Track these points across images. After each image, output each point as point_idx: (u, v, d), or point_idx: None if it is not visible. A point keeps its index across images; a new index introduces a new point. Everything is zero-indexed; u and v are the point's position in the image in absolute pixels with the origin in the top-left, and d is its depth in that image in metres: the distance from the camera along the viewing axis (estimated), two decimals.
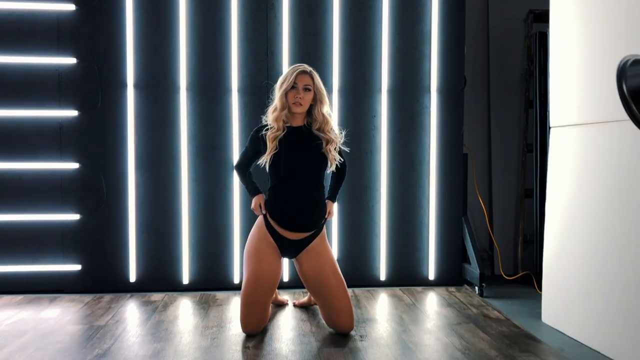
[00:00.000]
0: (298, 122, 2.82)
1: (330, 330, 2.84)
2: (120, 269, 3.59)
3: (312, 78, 2.74)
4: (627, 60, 1.32)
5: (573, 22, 2.83)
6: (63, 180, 3.54)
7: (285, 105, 2.72)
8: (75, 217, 3.56)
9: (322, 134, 2.80)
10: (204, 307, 3.28)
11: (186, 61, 3.58)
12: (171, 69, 3.57)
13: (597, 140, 2.64)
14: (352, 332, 2.82)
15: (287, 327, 2.93)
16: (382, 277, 3.73)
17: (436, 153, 3.73)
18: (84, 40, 3.52)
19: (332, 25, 3.65)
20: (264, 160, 2.77)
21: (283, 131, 2.73)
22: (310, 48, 3.65)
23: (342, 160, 2.91)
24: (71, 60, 3.51)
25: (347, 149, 3.07)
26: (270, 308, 2.93)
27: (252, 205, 2.91)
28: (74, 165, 3.54)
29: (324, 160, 2.81)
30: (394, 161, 3.72)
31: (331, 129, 2.83)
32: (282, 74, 3.48)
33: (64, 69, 3.51)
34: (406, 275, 3.76)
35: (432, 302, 3.43)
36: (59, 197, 3.54)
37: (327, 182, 2.99)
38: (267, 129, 2.79)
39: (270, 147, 2.72)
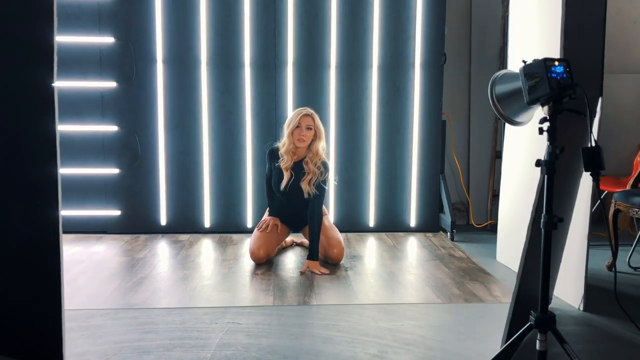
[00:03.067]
0: (301, 155, 3.50)
1: (323, 262, 3.57)
2: (153, 214, 4.34)
3: (313, 119, 3.39)
4: (497, 75, 1.97)
5: (532, 6, 3.42)
6: (105, 140, 4.25)
7: (292, 141, 3.39)
8: (115, 171, 4.28)
9: (308, 166, 3.44)
10: (223, 245, 4.03)
11: (206, 39, 4.21)
12: (193, 46, 4.22)
13: None
14: (341, 263, 3.55)
15: (289, 260, 3.67)
16: (371, 224, 4.44)
17: (418, 120, 4.37)
18: (121, 22, 4.16)
19: (330, 8, 4.24)
20: (283, 186, 3.48)
21: (292, 162, 3.43)
22: (311, 26, 4.26)
23: (317, 202, 3.43)
24: (110, 40, 4.17)
25: (327, 186, 3.54)
26: (276, 250, 3.68)
27: (265, 219, 3.62)
28: (114, 128, 4.24)
29: (313, 187, 3.45)
30: (382, 127, 4.37)
31: (318, 163, 3.41)
32: (287, 51, 4.15)
33: (104, 47, 4.17)
34: (391, 223, 4.46)
35: (410, 244, 4.14)
36: (101, 155, 4.26)
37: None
38: (279, 160, 3.48)
39: (286, 175, 3.43)
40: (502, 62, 4.57)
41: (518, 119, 1.94)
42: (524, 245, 2.05)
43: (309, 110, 3.49)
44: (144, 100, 4.24)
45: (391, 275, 3.37)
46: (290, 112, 3.97)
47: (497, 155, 4.60)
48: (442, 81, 4.38)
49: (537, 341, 1.85)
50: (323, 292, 3.02)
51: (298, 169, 3.50)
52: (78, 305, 2.79)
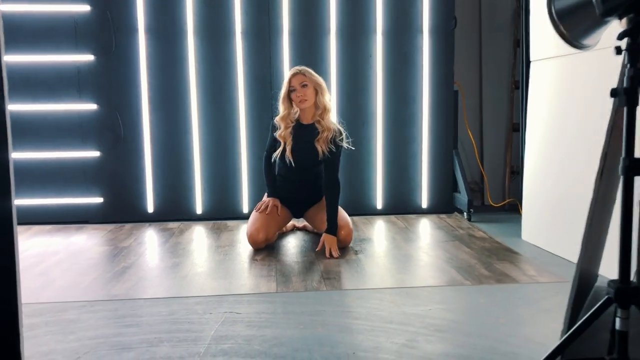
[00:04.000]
0: (309, 118, 3.14)
1: None
2: (139, 200, 3.93)
3: (305, 74, 3.03)
4: None
5: None
6: (82, 120, 3.84)
7: (287, 107, 3.07)
8: (96, 154, 3.87)
9: (321, 124, 3.10)
10: (217, 232, 3.63)
11: (193, 6, 3.81)
12: (179, 14, 3.82)
13: (573, 69, 2.89)
14: (350, 246, 3.16)
15: (290, 245, 3.28)
16: (379, 206, 4.05)
17: (428, 90, 3.99)
18: None
19: None
20: (276, 154, 3.14)
21: (289, 129, 3.08)
22: None
23: (333, 166, 3.09)
24: (85, 8, 3.76)
25: (352, 147, 3.27)
26: (276, 235, 3.28)
27: (264, 201, 3.23)
28: (93, 107, 3.83)
29: (322, 156, 3.09)
30: (389, 99, 3.98)
31: (330, 119, 3.09)
32: (282, 17, 3.75)
33: (79, 16, 3.76)
34: (401, 204, 4.07)
35: (423, 226, 3.76)
36: (79, 136, 3.85)
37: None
38: (278, 129, 3.15)
39: (282, 144, 3.12)
40: (517, 25, 4.19)
41: (585, 42, 1.54)
42: (591, 202, 1.66)
43: (297, 68, 3.11)
44: (126, 75, 3.84)
45: (407, 257, 2.98)
46: None
47: (515, 127, 4.22)
48: (453, 47, 3.99)
49: (617, 319, 1.46)
50: (333, 277, 2.63)
51: (306, 133, 3.12)
52: (49, 299, 2.38)
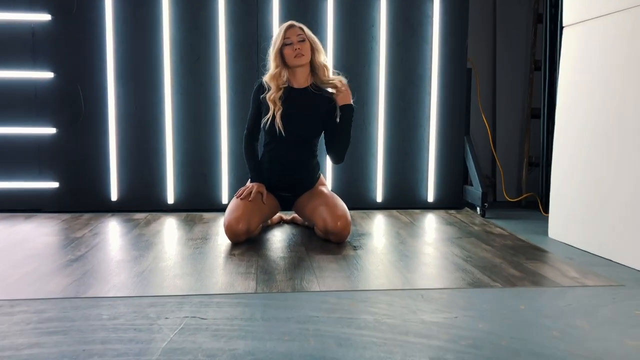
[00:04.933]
0: (301, 81, 2.70)
1: (323, 241, 2.65)
2: (101, 187, 3.38)
3: (302, 29, 2.65)
4: None
5: None
6: (37, 90, 3.29)
7: (279, 64, 2.63)
8: (52, 131, 3.32)
9: (325, 85, 2.71)
10: (189, 224, 3.09)
11: None
12: None
13: (624, 29, 2.39)
14: (348, 241, 2.63)
15: (276, 239, 2.74)
16: (379, 198, 3.54)
17: (438, 67, 3.49)
18: None
19: None
20: (264, 121, 2.67)
21: (281, 91, 2.64)
22: None
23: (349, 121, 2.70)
24: None
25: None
26: (260, 227, 2.73)
27: (247, 186, 2.72)
28: (49, 75, 3.28)
29: (320, 124, 2.70)
30: (393, 76, 3.47)
31: (329, 76, 2.74)
32: None
33: None
34: (404, 197, 3.56)
35: (431, 221, 3.24)
36: (32, 110, 3.30)
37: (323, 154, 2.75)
38: (268, 91, 2.66)
39: (271, 109, 2.64)
40: None
41: None
42: None
43: (293, 22, 2.67)
44: (88, 39, 3.30)
45: (416, 253, 2.46)
46: None
47: (534, 113, 3.73)
48: (467, 17, 3.50)
49: None
50: (327, 275, 2.10)
51: (300, 99, 2.68)
52: None
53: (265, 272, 2.13)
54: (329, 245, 2.59)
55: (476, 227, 3.05)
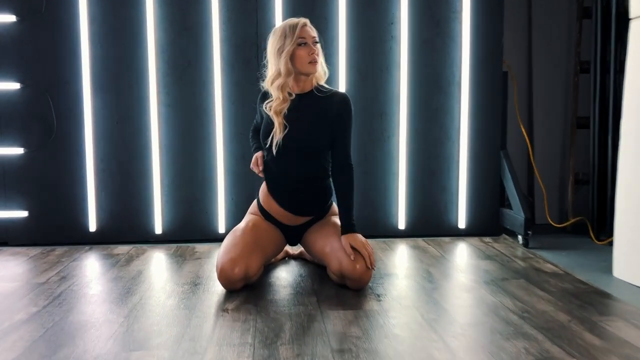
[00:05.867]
0: (306, 85, 2.22)
1: (339, 288, 2.15)
2: (77, 216, 2.90)
3: (313, 28, 2.21)
4: None
5: None
6: (1, 104, 2.82)
7: (292, 70, 2.13)
8: (18, 151, 2.85)
9: (323, 87, 2.25)
10: (179, 260, 2.59)
11: None
12: None
13: None
14: (368, 288, 2.12)
15: (280, 284, 2.24)
16: (401, 225, 3.03)
17: (469, 70, 2.98)
18: None
19: None
20: (275, 137, 2.18)
21: (287, 102, 2.17)
22: None
23: (345, 143, 2.22)
24: None
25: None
26: (261, 269, 2.22)
27: (252, 162, 2.33)
28: (14, 86, 2.81)
29: (329, 132, 2.19)
30: (417, 81, 2.97)
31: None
32: None
33: None
34: (430, 223, 3.05)
35: (465, 253, 2.73)
36: None
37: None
38: (270, 100, 2.20)
39: (278, 122, 2.16)
40: None
41: None
42: None
43: (305, 19, 2.19)
44: (60, 44, 2.83)
45: (455, 306, 1.96)
46: None
47: (580, 123, 3.20)
48: (503, 12, 2.99)
49: None
50: (347, 348, 1.59)
51: (306, 107, 2.20)
52: None
53: (265, 343, 1.63)
54: (346, 293, 2.09)
55: (521, 263, 2.53)
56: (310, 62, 2.12)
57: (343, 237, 2.10)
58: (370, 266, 2.06)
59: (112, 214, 2.92)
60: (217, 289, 2.13)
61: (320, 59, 2.18)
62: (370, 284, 2.17)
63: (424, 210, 3.04)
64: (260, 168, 2.28)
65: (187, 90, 2.89)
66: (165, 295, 2.09)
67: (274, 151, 2.18)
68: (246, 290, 2.12)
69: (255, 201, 2.38)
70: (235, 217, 2.92)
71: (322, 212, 2.32)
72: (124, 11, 2.83)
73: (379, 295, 2.06)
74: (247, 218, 2.32)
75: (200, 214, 2.95)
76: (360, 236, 2.12)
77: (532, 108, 3.37)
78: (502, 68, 3.02)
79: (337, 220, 2.27)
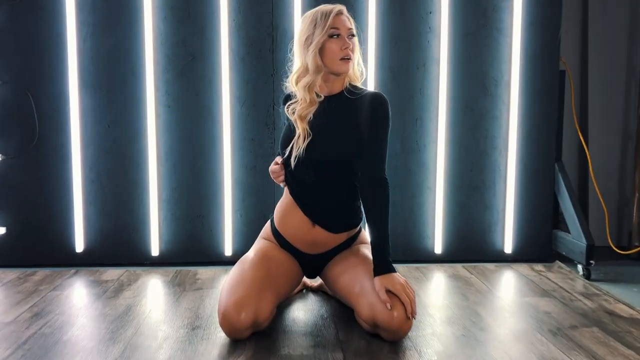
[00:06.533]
0: (336, 87, 1.81)
1: (370, 338, 1.72)
2: (62, 234, 2.51)
3: (350, 19, 1.80)
4: None
5: None
6: None
7: (321, 66, 1.74)
8: None
9: (356, 88, 1.84)
10: (176, 291, 2.19)
11: None
12: None
13: None
14: (406, 339, 1.70)
15: (297, 330, 1.82)
16: (437, 249, 2.60)
17: (520, 69, 2.55)
18: None
19: None
20: (294, 149, 1.78)
21: (315, 106, 1.78)
22: None
23: (380, 158, 1.78)
24: None
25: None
26: (274, 310, 1.80)
27: (271, 167, 1.91)
28: None
29: (360, 140, 1.77)
30: (458, 81, 2.54)
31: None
32: None
33: None
34: (472, 247, 2.62)
35: (516, 286, 2.29)
36: None
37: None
38: (294, 102, 1.80)
39: (302, 128, 1.75)
40: None
41: None
42: None
43: (340, 6, 1.78)
44: (43, 36, 2.44)
45: None
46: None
47: None
48: (561, 3, 2.54)
49: None
50: None
51: (335, 110, 1.79)
52: None
53: None
54: (380, 346, 1.66)
55: (588, 302, 2.09)
56: (342, 59, 1.72)
57: (377, 279, 1.68)
58: (410, 315, 1.64)
59: (102, 232, 2.52)
60: (219, 337, 1.72)
61: (356, 56, 1.78)
62: (409, 334, 1.74)
63: (464, 232, 2.61)
64: (282, 177, 1.86)
65: (190, 89, 2.49)
66: (156, 343, 1.68)
67: (293, 164, 1.76)
68: (255, 340, 1.70)
69: (268, 222, 1.96)
70: (245, 238, 2.51)
71: (349, 239, 1.91)
72: None
73: (420, 352, 1.63)
74: (258, 244, 1.91)
75: (203, 234, 2.54)
76: (398, 276, 1.70)
77: (587, 113, 2.91)
78: (559, 66, 2.57)
79: (366, 251, 1.86)
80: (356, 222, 1.91)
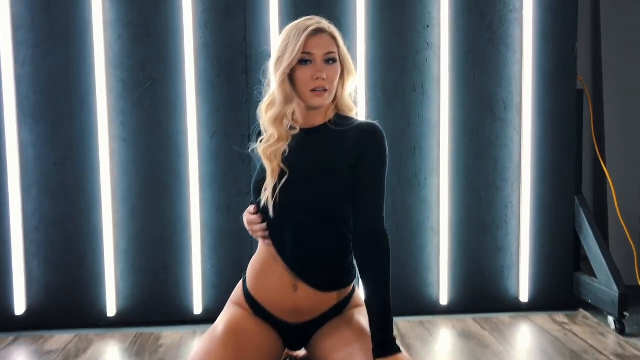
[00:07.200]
0: (317, 118, 1.46)
1: None
2: None
3: (334, 37, 1.44)
4: None
5: None
6: None
7: (291, 95, 1.40)
8: None
9: (342, 119, 1.48)
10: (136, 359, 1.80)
11: None
12: None
13: None
14: None
15: None
16: (443, 299, 2.25)
17: (531, 89, 2.23)
18: None
19: None
20: (265, 194, 1.43)
21: (284, 141, 1.42)
22: None
23: (377, 203, 1.43)
24: None
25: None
26: None
27: (246, 220, 1.52)
28: None
29: (350, 182, 1.42)
30: (462, 104, 2.22)
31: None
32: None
33: None
34: (482, 295, 2.27)
35: (539, 347, 1.94)
36: None
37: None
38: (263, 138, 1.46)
39: (271, 169, 1.41)
40: None
41: None
42: None
43: (322, 21, 1.42)
44: None
45: None
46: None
47: None
48: (577, 10, 2.23)
49: None
50: None
51: (314, 145, 1.44)
52: None
53: None
54: None
55: None
56: (313, 91, 1.36)
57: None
58: None
59: (48, 289, 2.13)
60: None
61: (342, 90, 1.43)
62: None
63: (473, 278, 2.26)
64: (260, 229, 1.48)
65: (150, 119, 2.12)
66: None
67: (271, 210, 1.40)
68: None
69: (240, 283, 1.58)
70: (217, 292, 2.15)
71: (340, 303, 1.54)
72: (62, 12, 2.08)
73: None
74: (228, 313, 1.53)
75: (168, 288, 2.16)
76: (404, 357, 1.33)
77: (603, 137, 2.60)
78: (576, 85, 2.25)
79: (362, 319, 1.48)
80: (349, 279, 1.54)
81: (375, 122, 1.45)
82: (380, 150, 1.42)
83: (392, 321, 1.36)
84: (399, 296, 2.17)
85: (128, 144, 2.12)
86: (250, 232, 1.49)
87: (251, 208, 1.50)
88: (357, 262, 1.44)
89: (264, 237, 1.47)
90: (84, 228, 2.12)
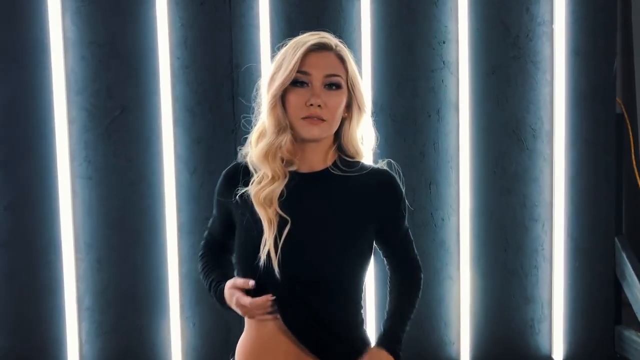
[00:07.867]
0: (316, 160, 1.18)
1: None
2: None
3: (343, 58, 1.17)
4: None
5: None
6: None
7: (285, 123, 1.12)
8: None
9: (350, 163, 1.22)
10: None
11: None
12: None
13: None
14: None
15: None
16: (464, 355, 1.99)
17: (564, 114, 1.97)
18: None
19: None
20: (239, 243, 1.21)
21: (280, 181, 1.16)
22: None
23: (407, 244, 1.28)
24: None
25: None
26: None
27: (235, 302, 1.17)
28: None
29: (361, 245, 1.20)
30: (483, 131, 1.98)
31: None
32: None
33: None
34: (509, 353, 2.03)
35: None
36: None
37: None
38: (249, 178, 1.19)
39: (267, 219, 1.13)
40: None
41: None
42: None
43: (328, 36, 1.13)
44: None
45: None
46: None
47: None
48: (615, 23, 1.97)
49: None
50: None
51: (315, 194, 1.16)
52: None
53: None
54: None
55: None
56: (307, 120, 1.08)
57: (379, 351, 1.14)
58: None
59: (3, 351, 1.84)
60: None
61: (350, 128, 1.16)
62: None
63: (499, 333, 2.01)
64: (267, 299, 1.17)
65: (119, 154, 1.86)
66: None
67: (276, 270, 1.09)
68: None
69: None
70: (200, 355, 1.85)
71: None
72: (15, 30, 1.80)
73: None
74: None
75: (143, 353, 1.89)
76: None
77: (636, 163, 2.32)
78: (615, 109, 1.97)
79: None
80: (357, 354, 1.25)
81: (387, 169, 1.19)
82: (404, 205, 1.22)
83: (407, 323, 1.21)
84: (414, 352, 1.94)
85: (93, 183, 1.85)
86: (240, 312, 1.17)
87: (239, 281, 1.17)
88: (391, 283, 1.26)
89: (271, 313, 1.16)
90: (41, 283, 1.86)
